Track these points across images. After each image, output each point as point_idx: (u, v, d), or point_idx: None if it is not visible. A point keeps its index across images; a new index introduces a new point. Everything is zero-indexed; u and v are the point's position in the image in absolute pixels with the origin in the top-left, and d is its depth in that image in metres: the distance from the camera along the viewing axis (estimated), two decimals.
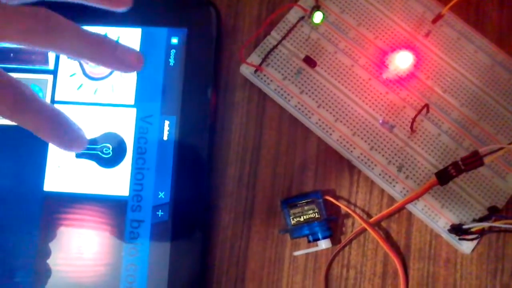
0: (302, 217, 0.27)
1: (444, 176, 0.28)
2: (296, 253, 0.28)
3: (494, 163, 0.28)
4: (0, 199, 0.28)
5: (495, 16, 0.31)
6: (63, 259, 0.27)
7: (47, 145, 0.28)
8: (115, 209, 0.28)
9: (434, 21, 0.30)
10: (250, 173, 0.29)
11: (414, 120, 0.28)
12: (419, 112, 0.28)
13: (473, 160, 0.27)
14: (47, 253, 0.27)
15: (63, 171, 0.28)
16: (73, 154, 0.28)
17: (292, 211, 0.27)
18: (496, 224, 0.26)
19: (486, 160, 0.27)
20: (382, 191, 0.29)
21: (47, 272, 0.27)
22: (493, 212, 0.28)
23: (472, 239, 0.27)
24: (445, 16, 0.30)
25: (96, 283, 0.27)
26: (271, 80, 0.29)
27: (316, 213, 0.27)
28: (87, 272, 0.27)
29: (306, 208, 0.27)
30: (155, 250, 0.27)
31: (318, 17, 0.27)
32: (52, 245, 0.27)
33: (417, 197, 0.28)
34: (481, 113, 0.29)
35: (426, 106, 0.29)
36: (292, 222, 0.27)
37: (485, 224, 0.26)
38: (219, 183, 0.29)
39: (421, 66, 0.29)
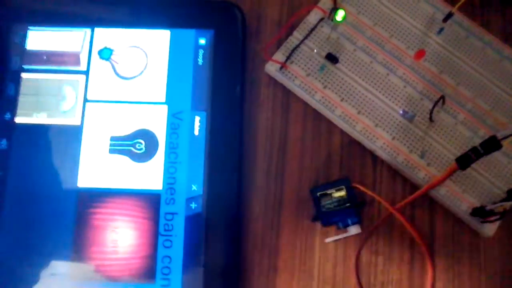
0: (332, 204, 0.28)
1: (464, 161, 0.29)
2: (328, 240, 0.29)
3: (509, 149, 0.30)
4: (36, 196, 0.28)
5: (499, 15, 0.33)
6: (98, 253, 0.27)
7: (80, 141, 0.29)
8: (149, 202, 0.28)
9: (444, 20, 0.32)
10: (277, 166, 0.30)
11: (432, 111, 0.30)
12: (436, 103, 0.30)
13: (491, 144, 0.29)
14: (82, 247, 0.27)
15: (96, 167, 0.29)
16: (106, 150, 0.29)
17: (322, 199, 0.28)
18: None
19: (504, 142, 0.29)
20: (405, 179, 0.30)
21: (82, 266, 0.27)
22: (511, 195, 0.29)
23: (494, 220, 0.29)
24: (454, 16, 0.32)
25: (131, 276, 0.27)
26: (296, 77, 0.31)
27: (345, 200, 0.28)
28: (122, 265, 0.27)
29: (335, 195, 0.28)
30: (190, 241, 0.28)
31: (340, 15, 0.28)
32: (87, 239, 0.28)
33: (439, 182, 0.29)
34: (493, 104, 0.31)
35: (442, 97, 0.30)
36: (323, 209, 0.28)
37: (507, 203, 0.28)
38: (248, 176, 0.30)
39: (434, 61, 0.31)
